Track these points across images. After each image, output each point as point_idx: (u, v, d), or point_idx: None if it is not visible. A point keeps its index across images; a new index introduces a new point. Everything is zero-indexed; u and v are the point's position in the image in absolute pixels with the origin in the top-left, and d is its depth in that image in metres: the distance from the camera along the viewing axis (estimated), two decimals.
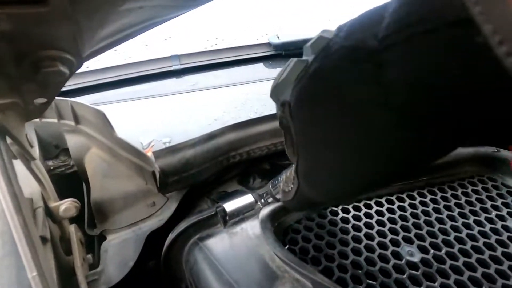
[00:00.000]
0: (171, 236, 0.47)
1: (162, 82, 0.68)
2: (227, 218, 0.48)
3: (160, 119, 0.63)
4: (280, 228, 0.45)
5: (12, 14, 0.23)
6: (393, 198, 0.49)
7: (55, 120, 0.55)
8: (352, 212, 0.47)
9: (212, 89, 0.69)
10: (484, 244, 0.41)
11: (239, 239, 0.46)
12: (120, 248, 0.45)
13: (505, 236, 0.42)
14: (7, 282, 0.33)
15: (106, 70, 0.66)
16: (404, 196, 0.49)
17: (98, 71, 0.66)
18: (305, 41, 0.84)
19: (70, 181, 0.60)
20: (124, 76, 0.66)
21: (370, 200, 0.49)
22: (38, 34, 0.27)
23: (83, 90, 0.67)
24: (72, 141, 0.55)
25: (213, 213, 0.49)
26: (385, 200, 0.49)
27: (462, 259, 0.39)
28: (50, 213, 0.41)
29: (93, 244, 0.56)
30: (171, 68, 0.68)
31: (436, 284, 0.36)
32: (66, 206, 0.41)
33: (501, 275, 0.38)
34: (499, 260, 0.39)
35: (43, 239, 0.36)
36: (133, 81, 0.67)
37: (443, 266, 0.39)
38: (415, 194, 0.50)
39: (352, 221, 0.45)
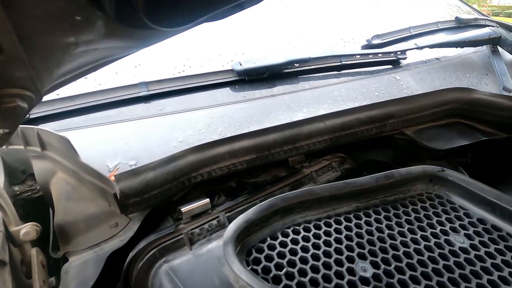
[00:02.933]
0: (131, 254, 0.49)
1: (130, 107, 0.71)
2: (191, 234, 0.51)
3: (127, 143, 0.66)
4: (244, 248, 0.47)
5: None
6: (351, 216, 0.52)
7: (22, 147, 0.57)
8: (313, 230, 0.50)
9: (178, 113, 0.73)
10: (428, 257, 0.45)
11: (205, 261, 0.49)
12: (80, 269, 0.47)
13: (447, 249, 0.46)
14: None
15: (75, 97, 0.69)
16: (361, 214, 0.53)
17: (67, 98, 0.69)
18: (266, 67, 0.89)
19: (37, 205, 0.61)
20: (93, 102, 0.69)
21: (330, 218, 0.52)
22: None
23: (53, 116, 0.69)
24: (38, 166, 0.57)
25: (172, 230, 0.52)
26: (344, 218, 0.52)
27: (408, 273, 0.43)
28: (11, 237, 0.43)
29: (59, 267, 0.57)
30: (139, 94, 0.72)
31: None
32: (26, 230, 0.43)
33: (442, 287, 0.42)
34: (441, 273, 0.43)
35: (1, 263, 0.38)
36: (102, 107, 0.70)
37: (391, 280, 0.42)
38: (371, 212, 0.53)
39: (313, 239, 0.48)
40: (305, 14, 1.13)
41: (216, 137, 0.68)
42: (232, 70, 0.79)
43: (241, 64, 0.77)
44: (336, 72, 0.92)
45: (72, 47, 0.33)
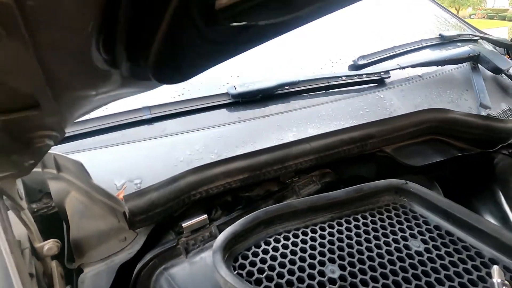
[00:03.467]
0: (138, 266, 0.56)
1: (134, 129, 0.78)
2: (187, 244, 0.58)
3: (132, 163, 0.73)
4: (232, 256, 0.54)
5: (12, 120, 0.33)
6: (325, 225, 0.59)
7: (40, 169, 0.64)
8: (292, 239, 0.57)
9: (179, 134, 0.80)
10: (388, 260, 0.52)
11: (198, 267, 0.57)
12: (95, 279, 0.54)
13: (404, 253, 0.53)
14: None
15: (85, 122, 0.76)
16: (334, 223, 0.60)
17: (78, 122, 0.76)
18: (259, 90, 0.97)
19: (52, 221, 0.68)
20: (101, 126, 0.76)
21: (307, 228, 0.59)
22: (31, 124, 0.38)
23: (65, 139, 0.76)
24: (54, 187, 0.64)
25: (174, 244, 0.59)
26: (319, 228, 0.59)
27: (370, 273, 0.50)
28: (35, 252, 0.50)
29: (73, 277, 0.64)
30: (143, 118, 0.79)
31: None
32: (49, 245, 0.50)
33: (397, 285, 0.49)
34: (397, 273, 0.50)
35: (30, 275, 0.45)
36: (109, 129, 0.77)
37: (355, 280, 0.49)
38: (343, 221, 0.60)
39: (291, 247, 0.55)
40: (295, 37, 1.21)
41: (213, 157, 0.75)
42: (227, 93, 0.86)
43: (235, 88, 0.85)
44: (324, 92, 1.00)
45: (92, 96, 0.41)
